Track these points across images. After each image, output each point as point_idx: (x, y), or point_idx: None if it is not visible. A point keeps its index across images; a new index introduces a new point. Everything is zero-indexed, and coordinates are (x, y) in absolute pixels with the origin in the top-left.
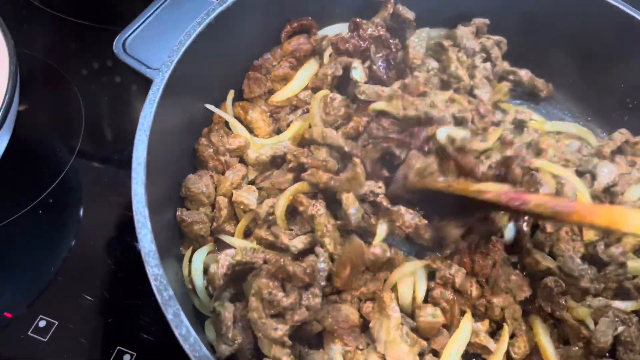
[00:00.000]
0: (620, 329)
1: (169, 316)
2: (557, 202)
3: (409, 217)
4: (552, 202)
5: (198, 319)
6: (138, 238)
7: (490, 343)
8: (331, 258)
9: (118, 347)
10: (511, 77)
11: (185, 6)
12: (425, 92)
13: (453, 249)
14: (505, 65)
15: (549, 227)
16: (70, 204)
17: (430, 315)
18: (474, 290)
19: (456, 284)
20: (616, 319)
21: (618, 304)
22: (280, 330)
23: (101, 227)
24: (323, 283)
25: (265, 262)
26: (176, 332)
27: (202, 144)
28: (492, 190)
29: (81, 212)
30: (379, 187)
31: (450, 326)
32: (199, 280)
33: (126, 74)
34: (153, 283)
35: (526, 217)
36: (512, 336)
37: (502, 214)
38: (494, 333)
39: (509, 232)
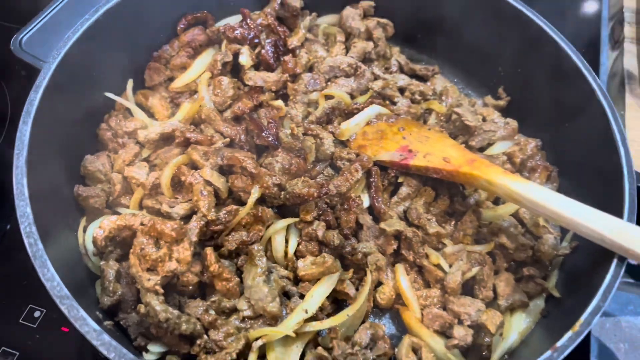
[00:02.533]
0: (476, 269)
1: (36, 264)
2: (429, 163)
3: (268, 179)
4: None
5: (92, 280)
6: (15, 203)
7: (351, 290)
8: (206, 221)
9: (29, 305)
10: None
11: (86, 3)
12: (299, 75)
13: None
14: (388, 49)
15: (406, 190)
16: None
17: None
18: (336, 240)
19: (319, 236)
20: (473, 261)
21: (475, 247)
22: (152, 280)
23: None
24: (194, 239)
25: (142, 224)
26: (42, 277)
27: (102, 129)
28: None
29: None
30: (243, 159)
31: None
32: (90, 246)
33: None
34: (25, 238)
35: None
36: (380, 284)
37: (358, 186)
38: (362, 280)
39: (365, 200)
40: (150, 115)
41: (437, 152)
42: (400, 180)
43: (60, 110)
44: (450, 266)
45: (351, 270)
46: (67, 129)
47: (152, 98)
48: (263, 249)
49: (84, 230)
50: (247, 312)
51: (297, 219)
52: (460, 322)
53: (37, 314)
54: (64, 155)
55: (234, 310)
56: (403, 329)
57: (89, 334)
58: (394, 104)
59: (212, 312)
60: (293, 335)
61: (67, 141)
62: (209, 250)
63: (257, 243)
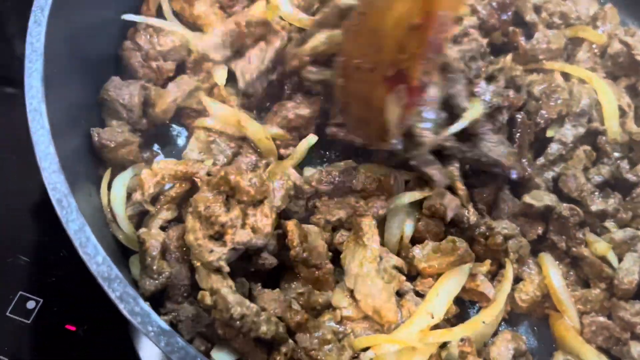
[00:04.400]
0: None
1: (71, 231)
2: None
3: None
4: None
5: (123, 255)
6: (33, 140)
7: (488, 288)
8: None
9: (19, 292)
10: None
11: None
12: None
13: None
14: None
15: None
16: None
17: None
18: (472, 216)
19: (447, 217)
20: None
21: None
22: (216, 252)
23: None
24: (277, 203)
25: (209, 174)
26: (80, 251)
27: (127, 49)
28: None
29: None
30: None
31: None
32: (119, 209)
33: None
34: (51, 192)
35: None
36: (519, 280)
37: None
38: (496, 274)
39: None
40: (196, 29)
41: None
42: (549, 133)
43: (74, 21)
44: (620, 260)
45: (488, 262)
46: (85, 50)
47: (199, 4)
48: (376, 225)
49: (109, 187)
50: (348, 311)
51: (429, 193)
52: (636, 337)
53: (30, 304)
54: (87, 83)
55: (328, 306)
56: (547, 343)
57: (155, 336)
58: None
59: (298, 308)
60: (420, 346)
61: (87, 66)
62: (291, 226)
63: (368, 217)
